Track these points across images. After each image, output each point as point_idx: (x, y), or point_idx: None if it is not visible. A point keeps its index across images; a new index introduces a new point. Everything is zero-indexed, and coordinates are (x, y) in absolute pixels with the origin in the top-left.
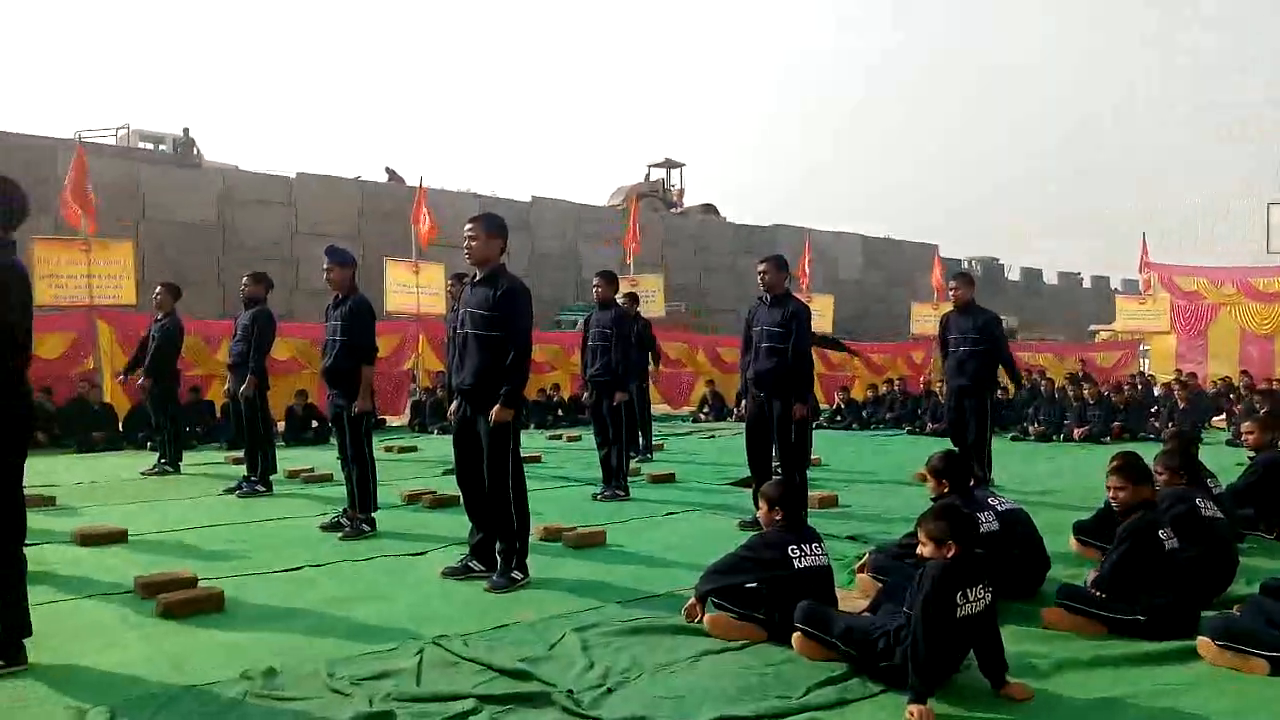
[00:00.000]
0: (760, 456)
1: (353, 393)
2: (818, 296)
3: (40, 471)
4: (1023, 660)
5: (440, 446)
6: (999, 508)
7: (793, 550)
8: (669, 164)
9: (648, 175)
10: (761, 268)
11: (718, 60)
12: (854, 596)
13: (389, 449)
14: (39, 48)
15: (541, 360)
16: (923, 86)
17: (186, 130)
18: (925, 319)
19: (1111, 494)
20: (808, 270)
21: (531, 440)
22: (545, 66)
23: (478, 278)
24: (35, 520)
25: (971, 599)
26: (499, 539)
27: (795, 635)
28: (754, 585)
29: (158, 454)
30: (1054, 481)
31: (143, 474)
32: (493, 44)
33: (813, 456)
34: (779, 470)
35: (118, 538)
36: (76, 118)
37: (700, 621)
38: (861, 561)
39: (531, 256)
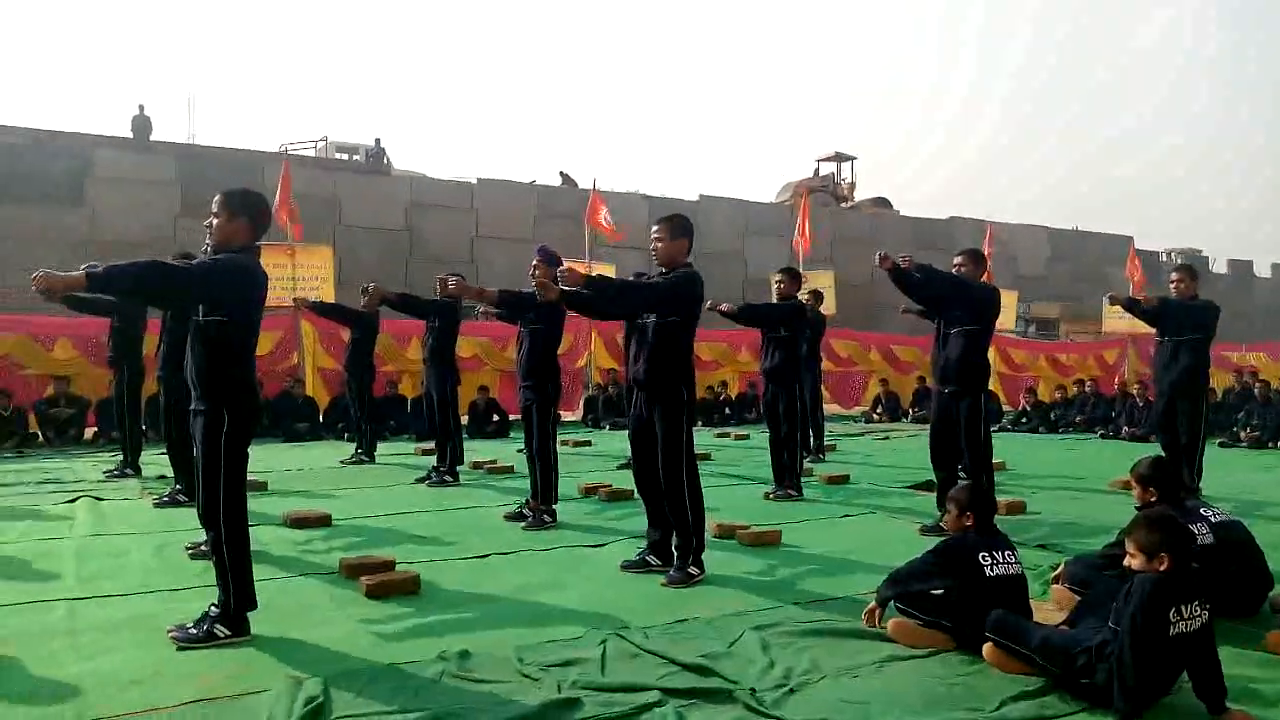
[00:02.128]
0: (945, 458)
1: (544, 387)
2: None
3: (253, 459)
4: (1243, 685)
5: (613, 441)
6: (1213, 519)
7: (983, 557)
8: (839, 158)
9: (816, 170)
10: (958, 260)
11: (889, 49)
12: (1048, 608)
13: (565, 443)
14: (248, 68)
15: (709, 359)
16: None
17: (378, 140)
18: (1119, 315)
19: None
20: (990, 266)
21: (699, 438)
22: (713, 65)
23: (664, 274)
24: (251, 504)
25: (1186, 617)
26: (676, 534)
27: (986, 646)
28: (941, 592)
29: (355, 444)
30: (1274, 492)
31: (342, 463)
32: (661, 45)
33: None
34: (963, 475)
35: (323, 521)
36: (281, 131)
37: (881, 626)
38: (1057, 572)
39: (698, 255)
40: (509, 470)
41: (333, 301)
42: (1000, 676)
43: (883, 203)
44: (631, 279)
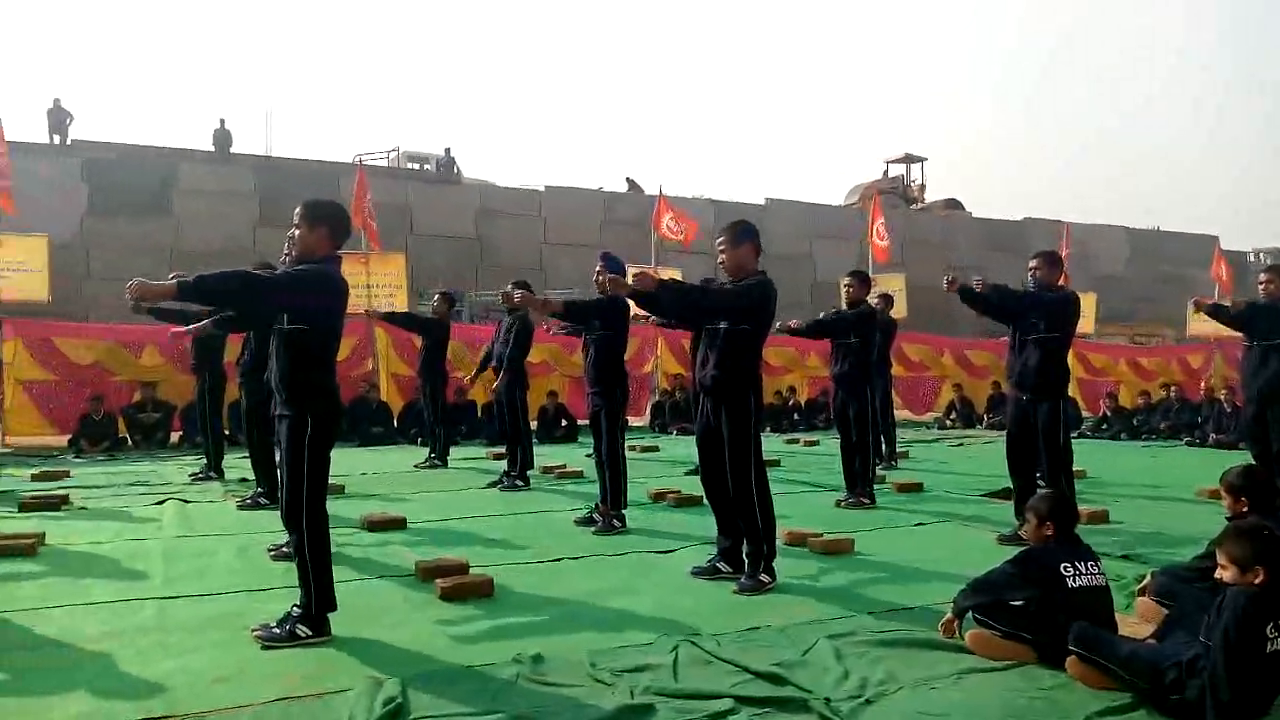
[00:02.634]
0: (1023, 466)
1: (611, 393)
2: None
3: (331, 463)
4: None
5: (680, 447)
6: None
7: (1065, 568)
8: (909, 159)
9: (886, 172)
10: (1033, 263)
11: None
12: (1134, 622)
13: (632, 448)
14: (323, 81)
15: (777, 364)
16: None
17: (448, 150)
18: (1204, 318)
19: None
20: (1066, 268)
21: (768, 444)
22: (779, 67)
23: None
24: (329, 507)
25: None
26: (746, 541)
27: (1070, 659)
28: (1021, 603)
29: (428, 449)
30: None
31: (415, 467)
32: (729, 50)
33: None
34: (1041, 483)
35: (398, 524)
36: (354, 142)
37: (959, 637)
38: (1143, 584)
39: (765, 259)
40: (578, 475)
41: (405, 310)
42: (1084, 691)
43: (954, 204)
44: (703, 285)
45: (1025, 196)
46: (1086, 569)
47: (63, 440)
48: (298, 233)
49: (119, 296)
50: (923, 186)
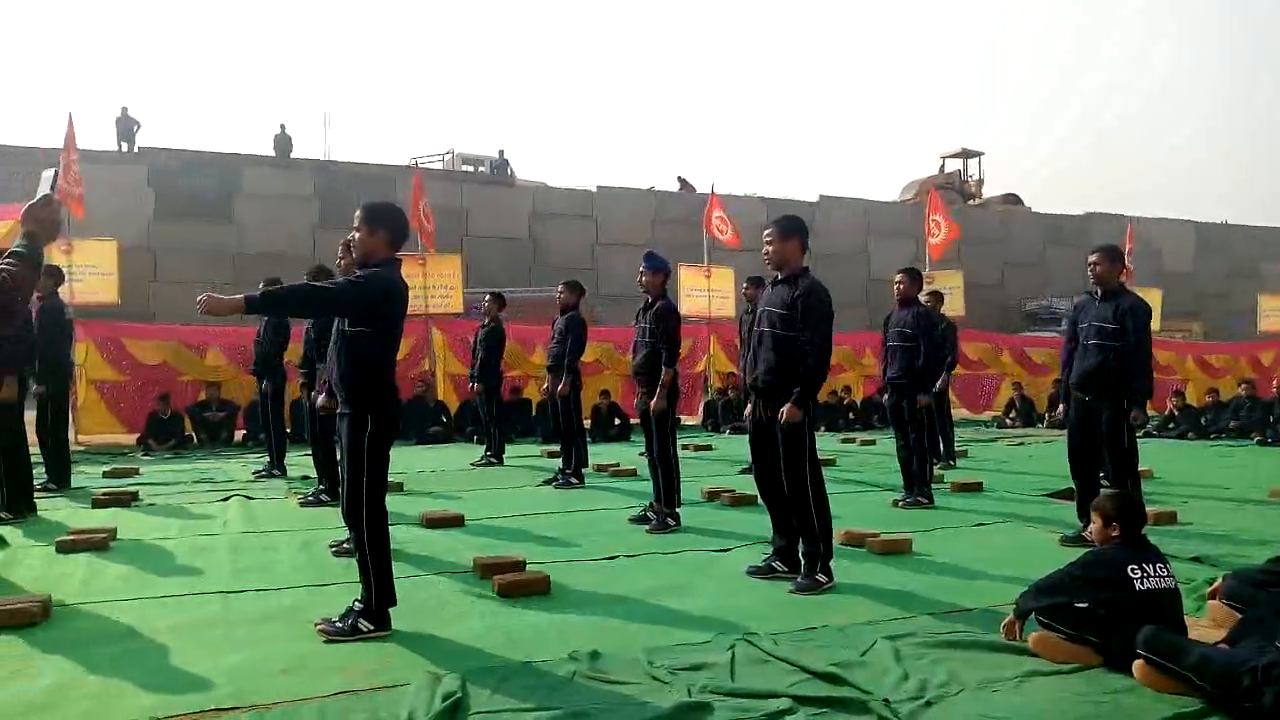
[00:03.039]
0: (1085, 466)
1: (651, 387)
2: (1142, 290)
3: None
4: None
5: (733, 446)
6: None
7: (1133, 570)
8: (965, 154)
9: (942, 167)
10: (1093, 259)
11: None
12: (1204, 625)
13: (685, 447)
14: (379, 85)
15: (832, 363)
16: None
17: (501, 152)
18: (1275, 313)
19: None
20: (1130, 262)
21: (823, 443)
22: (832, 62)
23: (778, 279)
24: (389, 503)
25: None
26: (802, 541)
27: (1138, 663)
28: (1086, 605)
29: (484, 447)
30: None
31: (472, 465)
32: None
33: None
34: (1105, 482)
35: (456, 522)
36: (410, 145)
37: (1021, 640)
38: (1214, 587)
39: (819, 257)
40: (631, 473)
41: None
42: (1153, 696)
43: (1013, 199)
44: (808, 357)
45: (1088, 191)
46: (1155, 571)
47: (132, 438)
48: (357, 236)
49: (184, 298)
50: (980, 182)
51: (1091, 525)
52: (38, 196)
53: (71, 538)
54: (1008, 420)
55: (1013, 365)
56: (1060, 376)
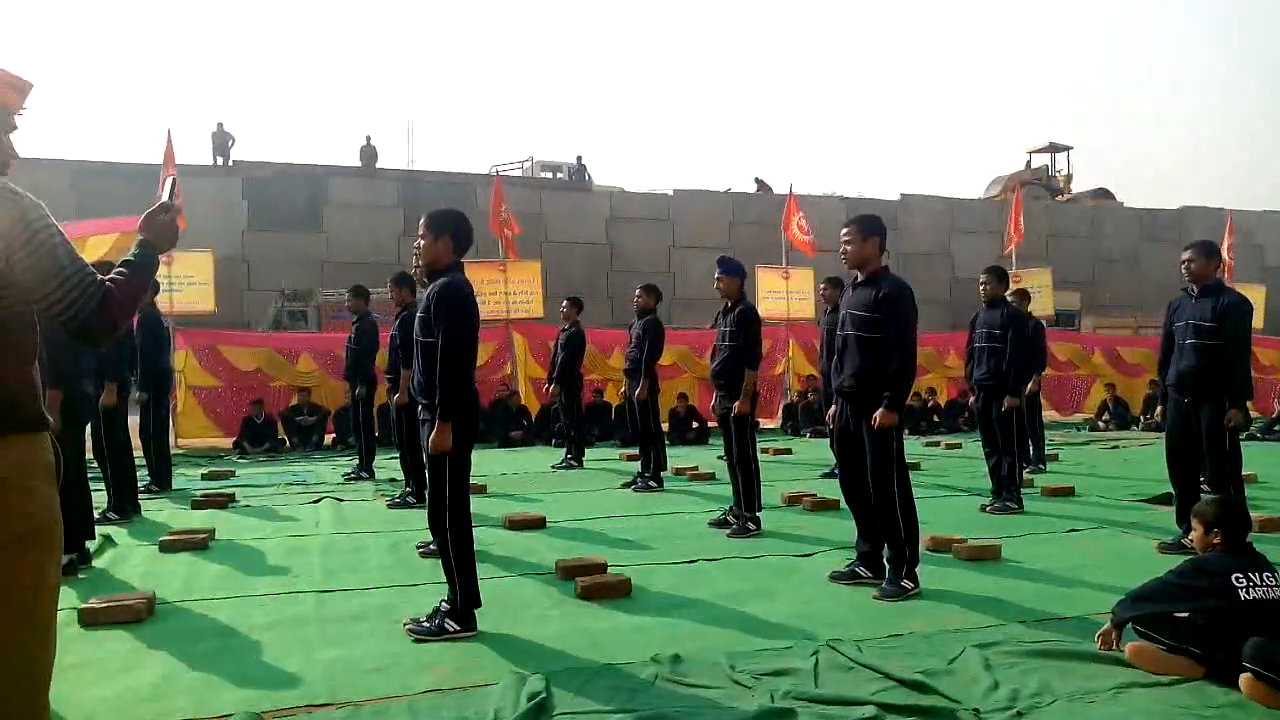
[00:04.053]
0: (1185, 470)
1: (739, 395)
2: (1243, 287)
3: (473, 464)
4: None
5: (813, 449)
6: None
7: (1238, 579)
8: (1053, 148)
9: (1029, 162)
10: (1187, 255)
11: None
12: None
13: (765, 451)
14: (460, 95)
15: (917, 363)
16: None
17: (579, 158)
18: None
19: None
20: (1229, 257)
21: (907, 447)
22: (914, 58)
23: (858, 279)
24: (472, 506)
25: None
26: (887, 546)
27: (1244, 677)
28: (1186, 615)
29: (564, 450)
30: None
31: (553, 468)
32: (860, 41)
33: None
34: (1205, 487)
35: (538, 524)
36: (490, 153)
37: (1118, 650)
38: None
39: (901, 256)
40: (710, 477)
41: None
42: (1263, 713)
43: (1104, 194)
44: (894, 360)
45: (1184, 184)
46: (1262, 580)
47: (228, 442)
48: (423, 243)
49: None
50: (1069, 176)
51: (1192, 532)
52: (156, 204)
53: (173, 538)
54: (1101, 423)
55: (1105, 366)
56: (1156, 377)
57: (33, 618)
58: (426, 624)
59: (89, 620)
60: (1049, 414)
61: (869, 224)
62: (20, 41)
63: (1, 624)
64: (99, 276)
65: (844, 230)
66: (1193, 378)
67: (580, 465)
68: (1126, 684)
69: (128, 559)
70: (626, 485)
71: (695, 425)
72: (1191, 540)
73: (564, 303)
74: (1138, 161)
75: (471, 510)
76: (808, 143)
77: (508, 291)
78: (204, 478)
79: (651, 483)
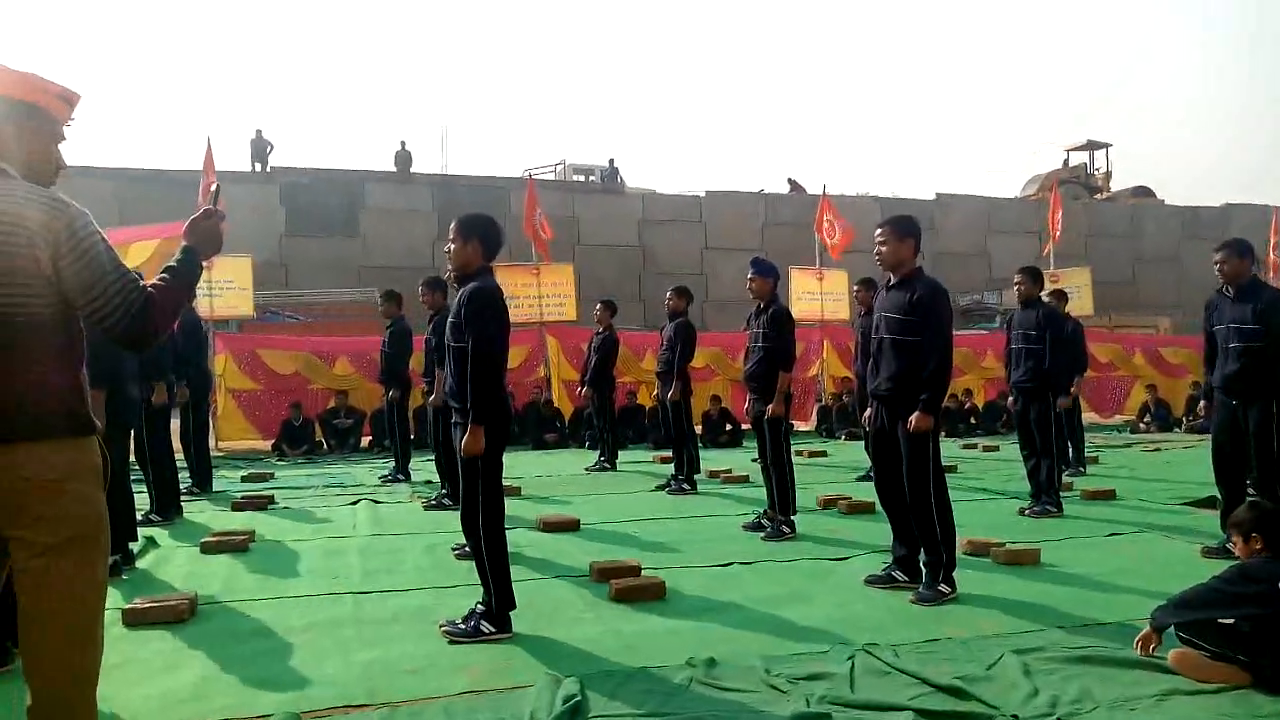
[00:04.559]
0: (1231, 473)
1: (772, 397)
2: None
3: (506, 466)
4: None
5: (848, 451)
6: None
7: None
8: (1091, 146)
9: (1066, 160)
10: (1218, 257)
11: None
12: None
13: (800, 453)
14: (493, 100)
15: (954, 364)
16: None
17: (611, 161)
18: None
19: None
20: (1275, 255)
21: (944, 449)
22: (948, 55)
23: (892, 281)
24: (506, 507)
25: None
26: (924, 550)
27: None
28: (1232, 622)
29: (597, 453)
30: None
31: (586, 470)
32: (891, 38)
33: None
34: (1252, 491)
35: (572, 526)
36: (523, 157)
37: (1158, 655)
38: None
39: (937, 256)
40: (744, 480)
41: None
42: None
43: (1144, 192)
44: (929, 362)
45: (1228, 181)
46: None
47: (267, 444)
48: (453, 247)
49: (313, 309)
50: (1108, 174)
51: (1231, 539)
52: (199, 210)
53: (214, 539)
54: (1142, 425)
55: (1145, 367)
56: (1199, 379)
57: (82, 616)
58: (462, 626)
59: (133, 620)
60: (1088, 416)
61: (904, 225)
62: (66, 52)
63: (53, 622)
64: (141, 283)
65: (878, 231)
66: (1239, 380)
67: (613, 468)
68: (1169, 691)
69: (170, 560)
70: (660, 488)
71: (729, 428)
72: (1234, 545)
73: (598, 306)
74: (1179, 159)
75: (506, 512)
76: (841, 143)
77: (541, 295)
78: (244, 480)
79: (685, 485)
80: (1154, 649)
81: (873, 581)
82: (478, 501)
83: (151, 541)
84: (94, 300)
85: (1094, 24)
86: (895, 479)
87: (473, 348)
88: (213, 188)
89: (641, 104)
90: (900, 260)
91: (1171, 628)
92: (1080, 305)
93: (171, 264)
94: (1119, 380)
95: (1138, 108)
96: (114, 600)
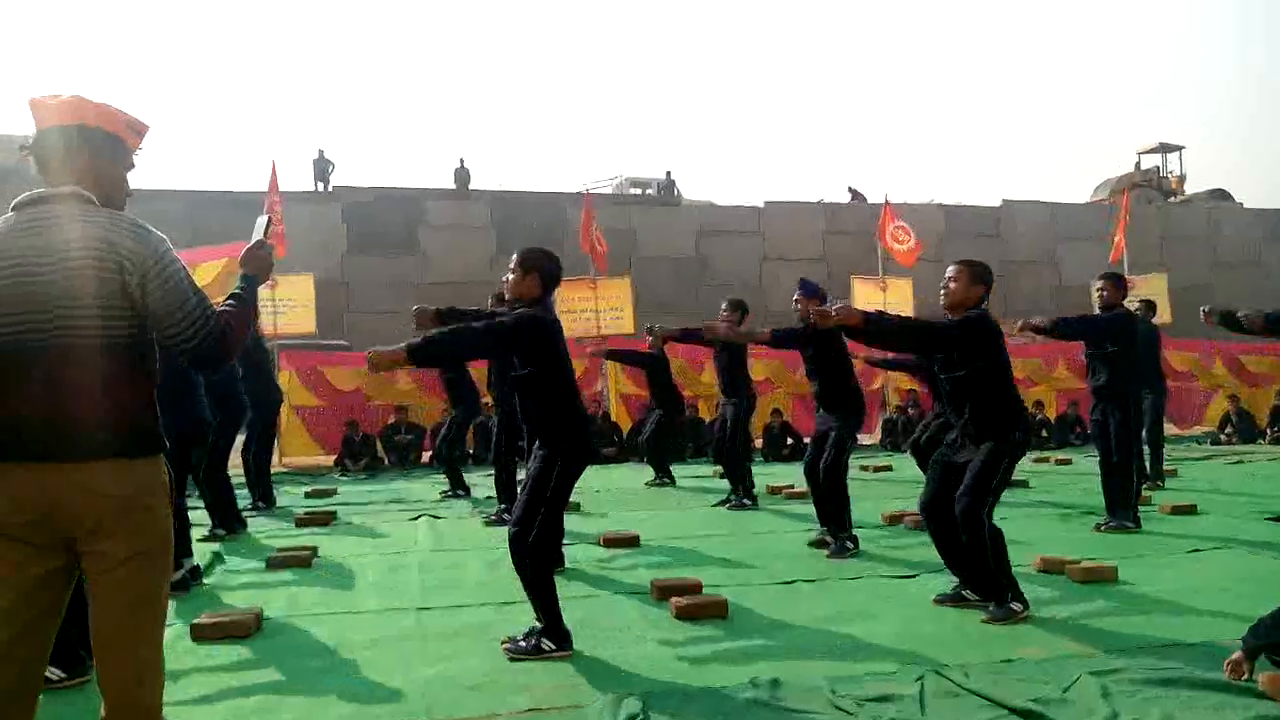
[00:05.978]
0: None
1: (845, 419)
2: None
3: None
4: None
5: (913, 466)
6: None
7: None
8: (1164, 148)
9: (1138, 164)
10: None
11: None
12: None
13: (865, 468)
14: (552, 118)
15: (1021, 376)
16: None
17: (668, 173)
18: None
19: None
20: None
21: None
22: (1015, 57)
23: (949, 320)
24: (567, 523)
25: None
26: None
27: None
28: None
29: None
30: None
31: (645, 485)
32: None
33: None
34: None
35: (632, 542)
36: (580, 171)
37: (1250, 680)
38: None
39: (1003, 264)
40: (805, 495)
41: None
42: None
43: (1221, 194)
44: (917, 318)
45: None
46: None
47: (329, 460)
48: (511, 278)
49: (376, 327)
50: (1182, 177)
51: None
52: (252, 240)
53: (278, 555)
54: (1223, 436)
55: (1226, 376)
56: None
57: (146, 629)
58: (523, 643)
59: (200, 635)
60: (1166, 428)
61: (980, 271)
62: (142, 81)
63: (121, 635)
64: (217, 309)
65: (951, 269)
66: None
67: (673, 483)
68: (1260, 717)
69: (236, 576)
70: (720, 503)
71: (790, 441)
72: None
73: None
74: (1257, 162)
75: (566, 527)
76: (904, 150)
77: (598, 309)
78: (307, 496)
79: (745, 501)
80: (1245, 677)
81: (942, 600)
82: (532, 525)
83: (218, 557)
84: (177, 324)
85: (1163, 25)
86: (946, 502)
87: (534, 375)
88: (262, 221)
89: (699, 117)
90: (963, 303)
91: (1265, 650)
92: (1158, 312)
93: (236, 291)
94: (1197, 390)
95: (1214, 110)
96: (182, 615)
